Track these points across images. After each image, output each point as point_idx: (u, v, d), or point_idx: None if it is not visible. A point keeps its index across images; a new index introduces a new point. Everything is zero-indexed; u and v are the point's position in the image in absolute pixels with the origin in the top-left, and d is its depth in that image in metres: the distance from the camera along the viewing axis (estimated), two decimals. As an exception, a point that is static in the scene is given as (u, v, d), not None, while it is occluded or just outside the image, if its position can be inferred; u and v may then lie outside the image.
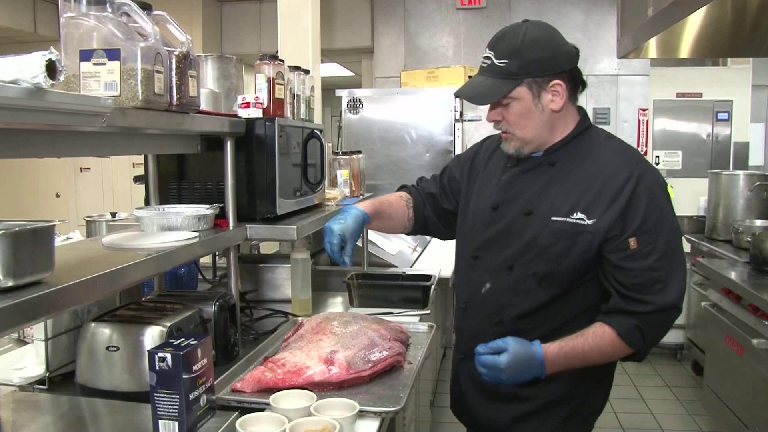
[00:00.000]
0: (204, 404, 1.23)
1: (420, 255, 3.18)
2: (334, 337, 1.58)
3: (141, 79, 1.22)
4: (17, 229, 0.98)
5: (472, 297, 1.49)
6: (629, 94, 5.37)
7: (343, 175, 2.71)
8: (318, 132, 2.13)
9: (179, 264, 1.53)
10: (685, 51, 2.96)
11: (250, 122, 1.80)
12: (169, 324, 1.42)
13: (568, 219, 1.35)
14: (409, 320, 1.99)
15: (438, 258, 3.07)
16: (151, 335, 1.39)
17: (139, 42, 1.23)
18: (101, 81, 1.21)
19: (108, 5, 1.23)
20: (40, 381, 1.48)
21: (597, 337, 1.33)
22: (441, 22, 5.59)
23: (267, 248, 3.11)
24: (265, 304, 2.24)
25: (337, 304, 2.35)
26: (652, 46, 2.84)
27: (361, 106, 4.29)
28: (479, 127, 4.95)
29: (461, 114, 4.20)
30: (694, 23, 2.38)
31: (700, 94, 5.27)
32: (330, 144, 2.94)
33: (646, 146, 5.29)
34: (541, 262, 1.36)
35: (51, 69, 0.91)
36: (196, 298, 1.68)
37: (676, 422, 3.42)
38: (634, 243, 1.30)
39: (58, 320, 1.52)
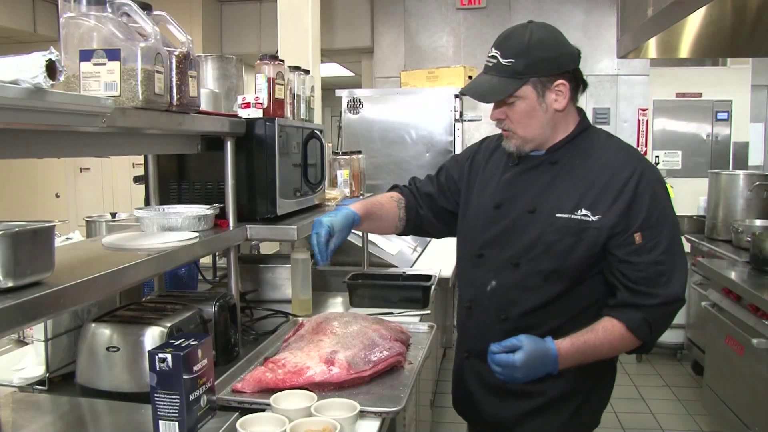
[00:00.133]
0: (204, 405, 1.23)
1: (420, 255, 3.18)
2: (335, 337, 1.58)
3: (141, 80, 1.22)
4: (17, 229, 0.98)
5: (476, 295, 1.50)
6: (629, 94, 5.37)
7: (343, 175, 2.71)
8: (318, 132, 2.13)
9: (179, 264, 1.53)
10: (684, 51, 2.96)
11: (250, 122, 1.80)
12: (169, 324, 1.42)
13: (572, 216, 1.38)
14: (410, 320, 1.99)
15: (438, 258, 3.07)
16: (152, 336, 1.39)
17: (139, 42, 1.23)
18: (101, 81, 1.21)
19: (108, 5, 1.23)
20: (40, 381, 1.48)
21: (607, 331, 1.36)
22: (441, 22, 5.59)
23: (267, 248, 3.11)
24: (265, 305, 2.24)
25: (337, 304, 2.35)
26: (652, 46, 2.84)
27: (361, 106, 4.29)
28: (479, 127, 4.95)
29: (461, 114, 4.19)
30: (693, 23, 2.38)
31: (700, 94, 5.28)
32: (330, 144, 2.94)
33: (646, 146, 5.29)
34: (548, 258, 1.39)
35: (51, 69, 0.91)
36: (196, 299, 1.68)
37: (676, 422, 3.42)
38: (639, 238, 1.35)
39: (58, 321, 1.51)
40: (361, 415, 1.31)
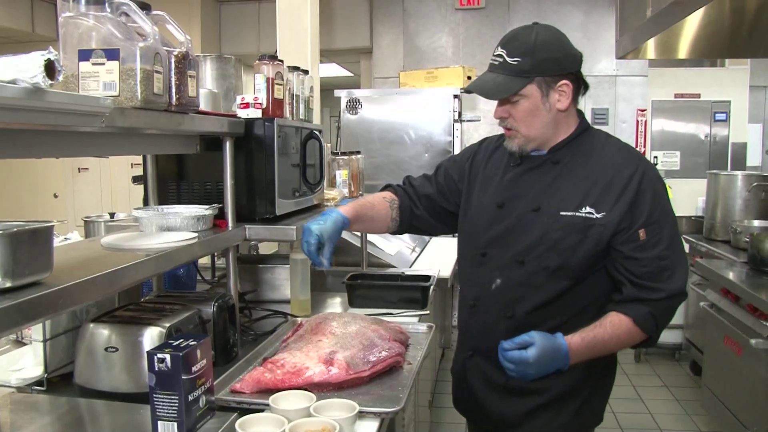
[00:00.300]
0: (203, 405, 1.23)
1: (419, 255, 3.18)
2: (334, 337, 1.58)
3: (140, 79, 1.22)
4: (16, 229, 0.97)
5: (481, 294, 1.51)
6: (628, 94, 5.38)
7: (342, 175, 2.71)
8: (317, 132, 2.13)
9: (178, 264, 1.53)
10: (683, 51, 2.97)
11: (249, 122, 1.80)
12: (168, 325, 1.41)
13: (577, 213, 1.40)
14: (409, 321, 1.99)
15: (437, 258, 3.07)
16: (150, 336, 1.38)
17: (138, 42, 1.23)
18: (100, 81, 1.21)
19: (107, 5, 1.22)
20: (39, 382, 1.48)
21: (614, 326, 1.39)
22: (440, 22, 5.59)
23: (266, 248, 3.11)
24: (264, 305, 2.24)
25: (336, 304, 2.35)
26: (651, 47, 2.85)
27: (360, 106, 4.29)
28: (478, 127, 4.95)
29: (460, 114, 4.20)
30: (692, 24, 2.39)
31: (699, 95, 5.28)
32: (329, 144, 2.94)
33: (645, 147, 5.29)
34: (553, 255, 1.41)
35: (50, 69, 0.91)
36: (195, 299, 1.68)
37: (675, 422, 3.43)
38: (643, 234, 1.38)
39: (56, 321, 1.51)
40: (360, 415, 1.31)
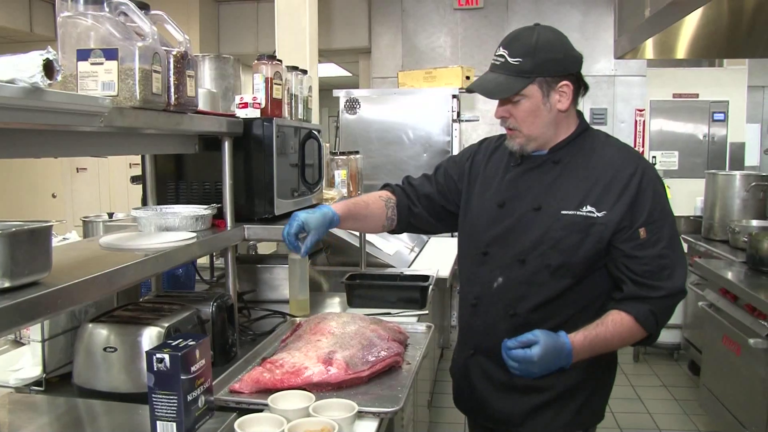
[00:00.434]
0: (202, 405, 1.23)
1: (417, 255, 3.17)
2: (333, 337, 1.58)
3: (139, 79, 1.22)
4: (14, 229, 0.97)
5: (483, 292, 1.52)
6: (626, 94, 5.38)
7: (340, 175, 2.72)
8: (316, 132, 2.13)
9: (177, 264, 1.53)
10: (681, 52, 2.97)
11: (248, 122, 1.79)
12: (166, 325, 1.41)
13: (578, 212, 1.42)
14: (407, 320, 1.99)
15: (436, 258, 3.07)
16: (149, 336, 1.38)
17: (136, 42, 1.23)
18: (99, 81, 1.20)
19: (105, 5, 1.22)
20: (37, 382, 1.48)
21: (616, 324, 1.41)
22: (438, 22, 5.59)
23: (264, 248, 3.11)
24: (262, 305, 2.23)
25: (334, 304, 2.35)
26: (649, 47, 2.85)
27: (358, 106, 4.29)
28: (476, 127, 4.96)
29: (459, 114, 4.20)
30: (690, 24, 2.39)
31: (697, 95, 5.29)
32: (328, 144, 2.94)
33: (643, 147, 5.30)
34: (555, 253, 1.42)
35: (48, 68, 0.90)
36: (193, 299, 1.68)
37: (673, 422, 3.43)
38: (643, 233, 1.40)
39: (55, 321, 1.51)
40: (360, 415, 1.31)
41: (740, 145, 5.35)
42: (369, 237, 2.79)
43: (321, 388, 1.43)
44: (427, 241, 3.47)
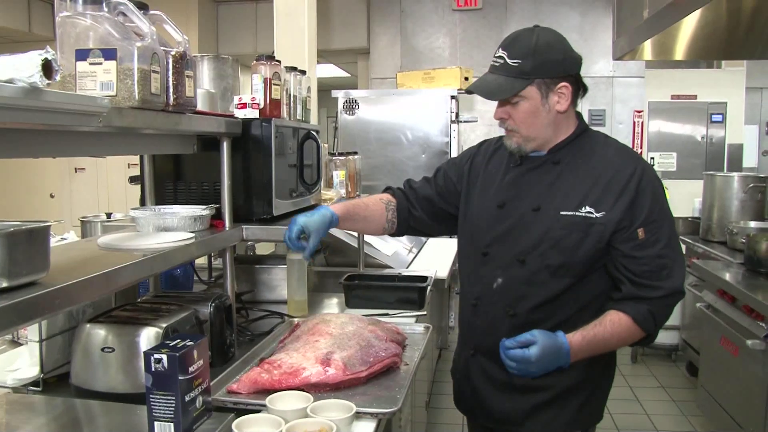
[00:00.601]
0: (200, 406, 1.23)
1: (416, 256, 3.18)
2: (331, 338, 1.57)
3: (137, 79, 1.22)
4: (12, 229, 0.97)
5: (483, 292, 1.53)
6: (625, 95, 5.39)
7: (339, 175, 2.72)
8: (314, 133, 2.13)
9: (175, 265, 1.53)
10: (680, 53, 2.97)
11: (247, 123, 1.79)
12: (164, 325, 1.41)
13: (577, 213, 1.42)
14: (406, 321, 1.99)
15: (434, 259, 3.07)
16: (147, 336, 1.38)
17: (135, 42, 1.23)
18: (97, 81, 1.20)
19: (104, 5, 1.22)
20: (35, 382, 1.48)
21: (614, 324, 1.41)
22: (437, 23, 5.59)
23: (263, 249, 3.10)
24: (261, 305, 2.23)
25: (333, 305, 2.35)
26: (648, 48, 2.85)
27: (357, 106, 4.29)
28: (475, 128, 4.96)
29: (457, 115, 4.20)
30: (689, 25, 2.39)
31: (695, 96, 5.30)
32: (326, 145, 2.94)
33: (642, 148, 5.31)
34: (555, 253, 1.43)
35: (47, 68, 0.90)
36: (192, 299, 1.67)
37: (671, 423, 3.43)
38: (642, 233, 1.40)
39: (52, 321, 1.51)
40: (358, 416, 1.31)
41: (738, 146, 5.36)
42: (367, 238, 2.80)
43: (319, 389, 1.43)
44: (426, 242, 3.47)
